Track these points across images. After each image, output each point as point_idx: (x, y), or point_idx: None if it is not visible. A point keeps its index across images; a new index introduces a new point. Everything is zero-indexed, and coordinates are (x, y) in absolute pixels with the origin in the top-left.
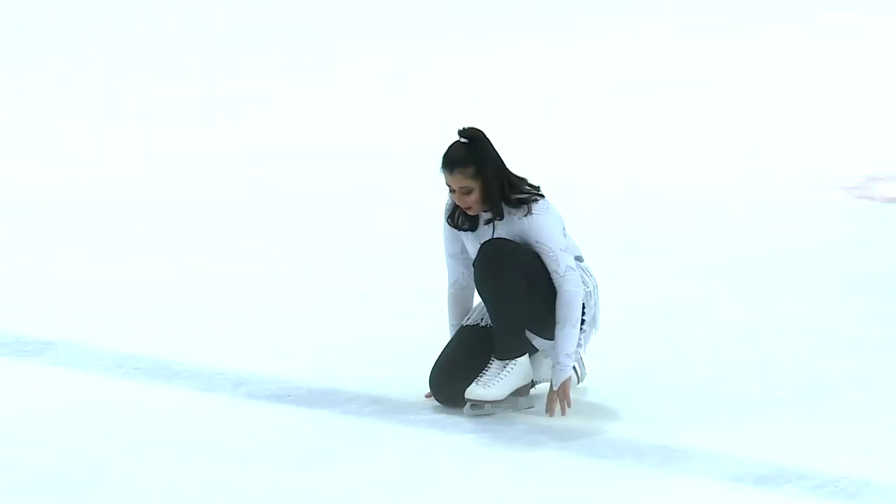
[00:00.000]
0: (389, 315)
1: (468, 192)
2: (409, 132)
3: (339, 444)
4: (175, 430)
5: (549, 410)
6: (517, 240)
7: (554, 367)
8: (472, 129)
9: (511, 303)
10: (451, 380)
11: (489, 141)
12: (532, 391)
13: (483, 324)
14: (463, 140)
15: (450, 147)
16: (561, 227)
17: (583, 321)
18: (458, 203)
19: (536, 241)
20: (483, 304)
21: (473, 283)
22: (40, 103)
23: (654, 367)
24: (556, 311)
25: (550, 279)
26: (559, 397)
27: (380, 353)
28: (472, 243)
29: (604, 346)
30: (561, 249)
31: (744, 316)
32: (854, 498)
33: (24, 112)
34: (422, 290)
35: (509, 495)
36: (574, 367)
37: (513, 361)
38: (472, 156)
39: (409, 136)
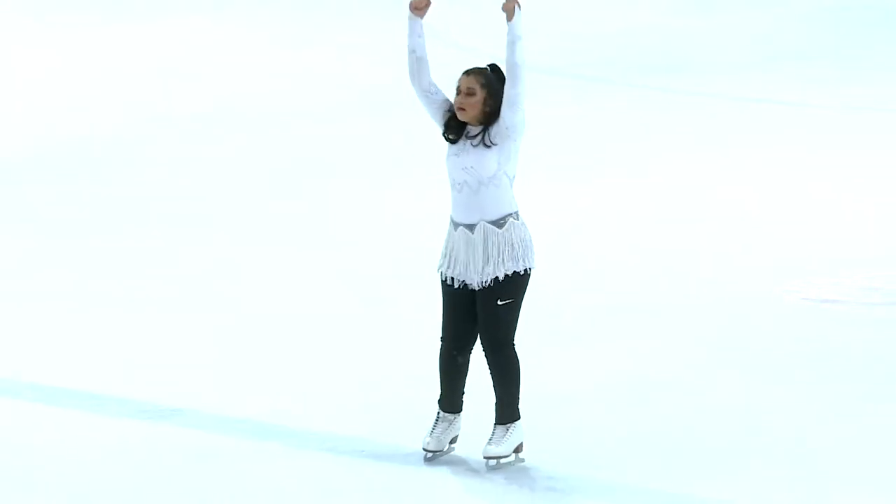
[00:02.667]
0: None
1: (472, 94)
2: None
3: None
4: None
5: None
6: (494, 154)
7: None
8: (496, 65)
9: (511, 380)
10: (459, 351)
11: (504, 79)
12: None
13: (464, 287)
14: (489, 65)
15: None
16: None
17: (528, 271)
18: (459, 104)
19: (507, 127)
20: (458, 257)
21: (423, 85)
22: None
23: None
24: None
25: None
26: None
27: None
28: (451, 153)
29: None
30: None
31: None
32: None
33: None
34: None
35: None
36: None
37: (512, 424)
38: (487, 73)
39: None
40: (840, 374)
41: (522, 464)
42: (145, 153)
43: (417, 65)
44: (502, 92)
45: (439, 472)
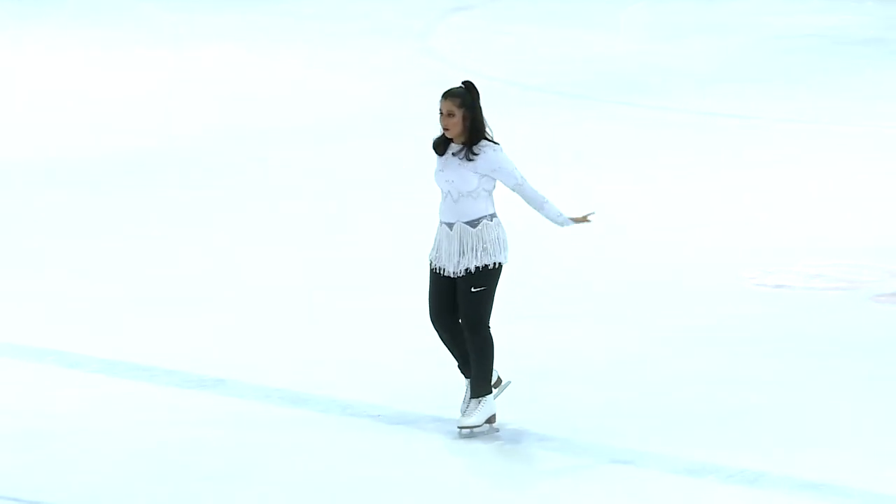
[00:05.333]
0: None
1: (451, 115)
2: None
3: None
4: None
5: (581, 221)
6: (474, 173)
7: (562, 224)
8: (471, 82)
9: (485, 357)
10: (441, 327)
11: (478, 94)
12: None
13: (448, 273)
14: (463, 83)
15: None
16: (513, 164)
17: (497, 265)
18: (443, 125)
19: (493, 170)
20: (441, 249)
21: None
22: None
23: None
24: (532, 202)
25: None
26: (580, 221)
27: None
28: (437, 168)
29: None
30: (518, 174)
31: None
32: (753, 484)
33: None
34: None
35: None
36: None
37: (483, 398)
38: (463, 94)
39: None
40: (791, 347)
41: (518, 428)
42: (199, 163)
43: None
44: (478, 107)
45: (448, 434)
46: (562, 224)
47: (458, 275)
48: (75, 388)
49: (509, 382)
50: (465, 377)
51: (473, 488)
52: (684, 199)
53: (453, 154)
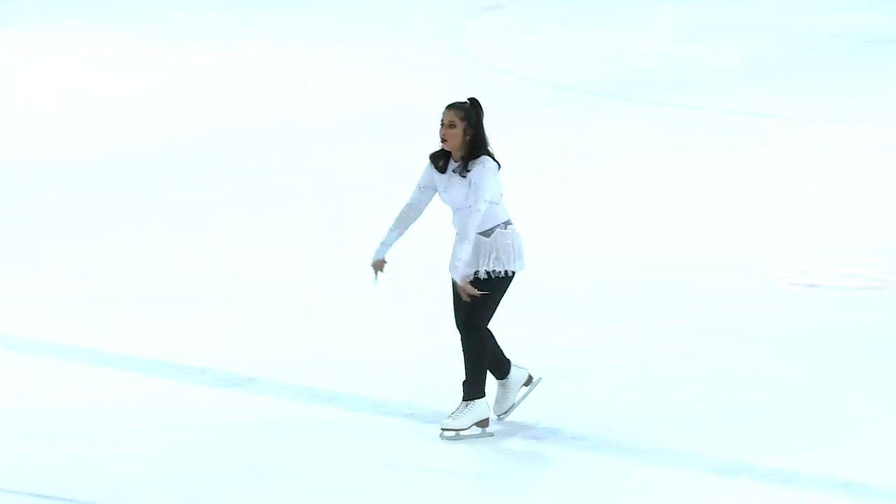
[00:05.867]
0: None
1: (452, 126)
2: None
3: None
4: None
5: (462, 294)
6: (469, 189)
7: (450, 267)
8: (476, 99)
9: (476, 361)
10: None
11: (482, 112)
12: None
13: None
14: (469, 100)
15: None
16: (494, 177)
17: (509, 273)
18: (442, 135)
19: (472, 182)
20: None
21: (423, 208)
22: None
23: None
24: (460, 229)
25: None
26: (460, 289)
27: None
28: (440, 185)
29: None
30: (484, 197)
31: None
32: (786, 483)
33: None
34: None
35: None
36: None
37: (472, 402)
38: (467, 108)
39: None
40: (824, 346)
41: (534, 431)
42: (219, 162)
43: (417, 214)
44: (481, 124)
45: (474, 431)
46: (450, 268)
47: (468, 280)
48: (104, 386)
49: (540, 379)
50: (496, 378)
51: (505, 486)
52: (715, 197)
53: (453, 171)
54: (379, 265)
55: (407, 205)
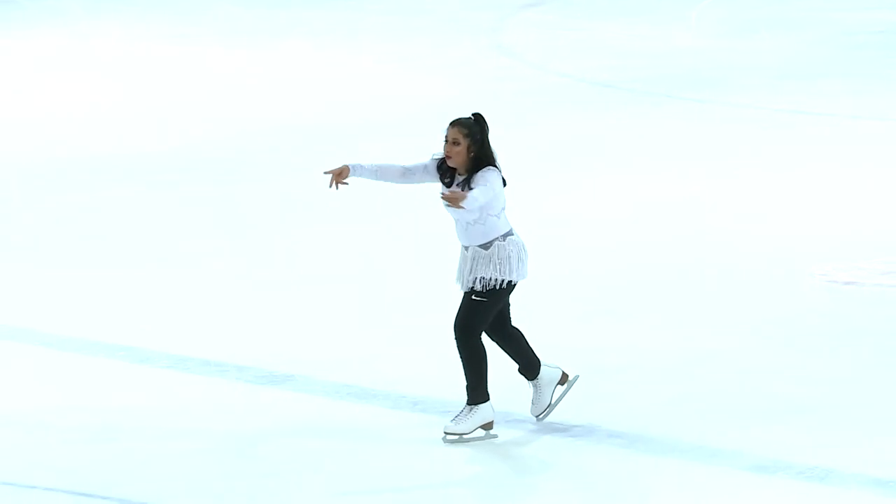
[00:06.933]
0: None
1: (456, 143)
2: None
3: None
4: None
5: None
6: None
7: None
8: (481, 115)
9: (474, 366)
10: (490, 338)
11: (487, 127)
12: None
13: (465, 290)
14: (473, 115)
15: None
16: (495, 182)
17: (507, 283)
18: (447, 152)
19: (477, 184)
20: (460, 269)
21: (413, 182)
22: None
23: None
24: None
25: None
26: (448, 195)
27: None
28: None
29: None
30: (486, 188)
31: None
32: (823, 480)
33: None
34: None
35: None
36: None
37: (476, 406)
38: (471, 124)
39: None
40: (862, 343)
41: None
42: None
43: (402, 180)
44: (486, 139)
45: (515, 429)
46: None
47: (466, 289)
48: (142, 384)
49: (577, 377)
50: (527, 379)
51: (545, 484)
52: (754, 194)
53: (457, 185)
54: (340, 174)
55: (404, 166)
